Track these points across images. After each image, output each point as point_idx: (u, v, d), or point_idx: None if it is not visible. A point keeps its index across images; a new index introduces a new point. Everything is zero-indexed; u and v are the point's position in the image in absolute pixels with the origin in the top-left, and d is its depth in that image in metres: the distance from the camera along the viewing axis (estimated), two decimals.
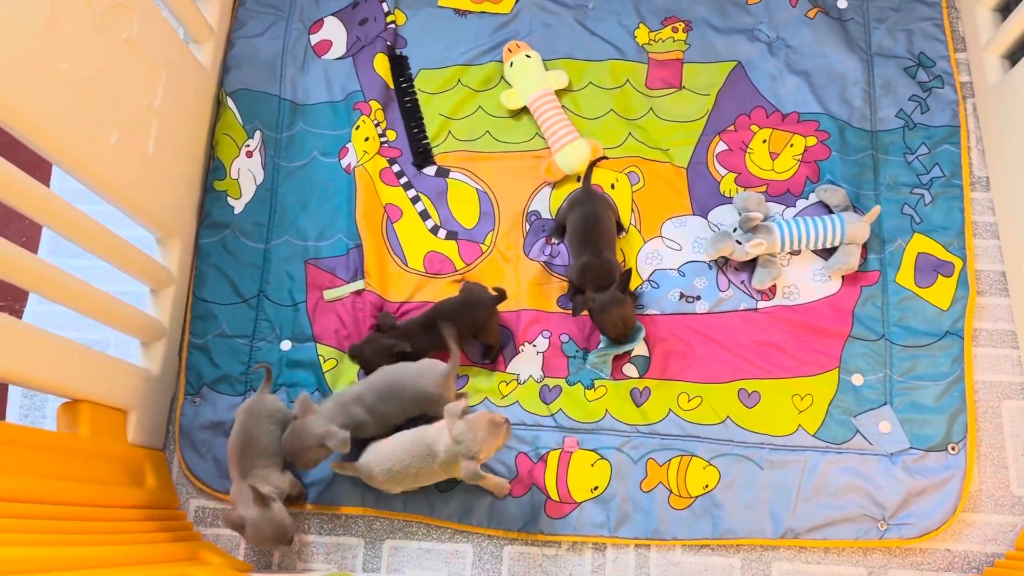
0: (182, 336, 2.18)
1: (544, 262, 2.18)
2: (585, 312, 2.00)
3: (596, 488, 2.00)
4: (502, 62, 2.34)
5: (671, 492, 1.99)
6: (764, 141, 2.26)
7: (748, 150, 2.26)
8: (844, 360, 2.08)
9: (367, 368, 2.00)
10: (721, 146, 2.27)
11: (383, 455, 1.84)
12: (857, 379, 2.06)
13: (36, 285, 1.68)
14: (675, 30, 2.37)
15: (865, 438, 2.02)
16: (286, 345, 2.14)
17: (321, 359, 2.12)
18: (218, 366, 2.13)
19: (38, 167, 2.24)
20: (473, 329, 2.03)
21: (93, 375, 1.80)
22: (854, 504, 1.96)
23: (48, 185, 2.35)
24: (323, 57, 2.40)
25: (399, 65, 2.38)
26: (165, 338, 2.10)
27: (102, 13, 1.76)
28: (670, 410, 2.05)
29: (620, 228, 2.18)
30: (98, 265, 2.05)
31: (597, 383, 2.08)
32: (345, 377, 2.09)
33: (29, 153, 1.68)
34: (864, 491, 1.97)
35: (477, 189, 2.26)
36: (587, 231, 2.03)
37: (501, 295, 2.04)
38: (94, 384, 1.80)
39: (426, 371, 1.92)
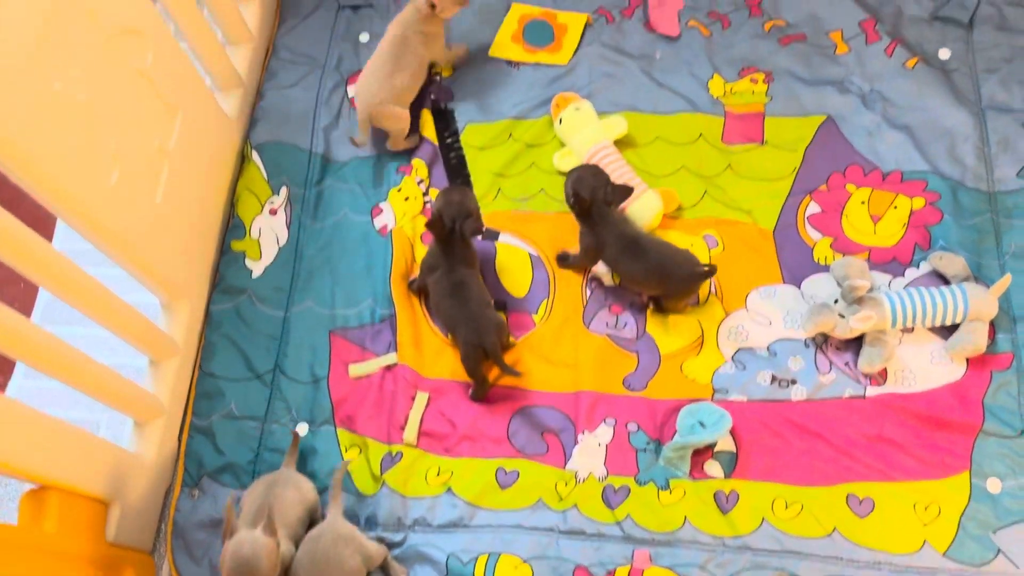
0: (184, 417, 1.87)
1: (608, 335, 1.86)
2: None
3: None
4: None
5: None
6: (863, 202, 1.95)
7: (845, 212, 1.95)
8: (976, 461, 1.70)
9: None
10: (813, 207, 1.96)
11: None
12: (994, 485, 1.68)
13: (24, 353, 1.41)
14: (754, 81, 2.11)
15: (1010, 560, 1.62)
16: (302, 429, 1.82)
17: (342, 448, 1.79)
18: (222, 452, 1.81)
19: (43, 224, 2.02)
20: (659, 286, 1.83)
21: (68, 456, 1.49)
22: None
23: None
24: None
25: (445, 119, 2.14)
26: (163, 417, 1.79)
27: (110, 36, 1.54)
28: (764, 519, 1.68)
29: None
30: (94, 334, 1.80)
31: (673, 483, 1.72)
32: (365, 470, 1.76)
33: (33, 209, 1.46)
34: None
35: (530, 253, 1.97)
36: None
37: (711, 270, 1.80)
38: (68, 467, 1.49)
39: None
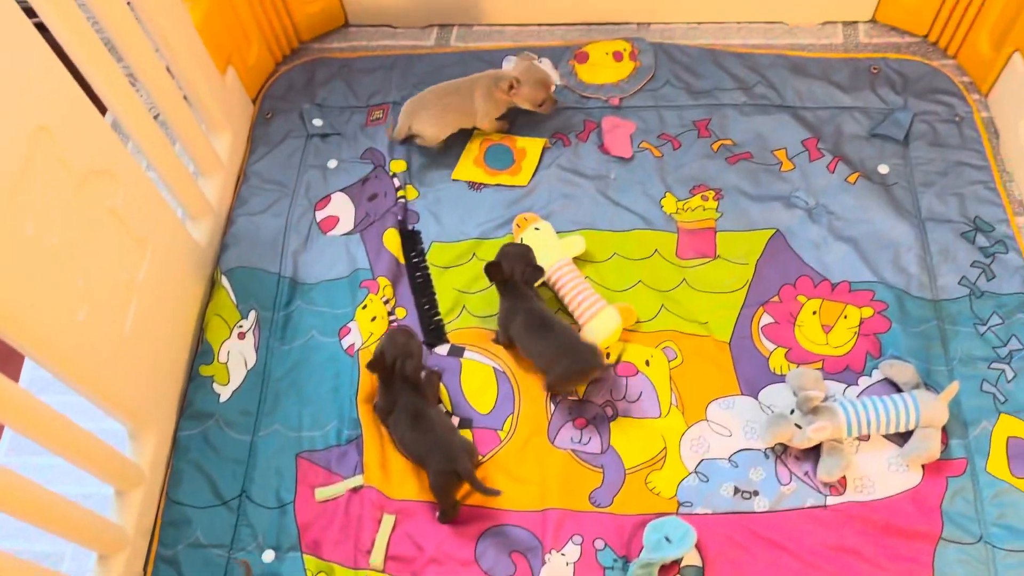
0: (149, 547, 1.86)
1: (573, 451, 1.89)
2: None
3: None
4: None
5: None
6: (814, 312, 2.03)
7: (797, 323, 2.02)
8: (938, 568, 1.72)
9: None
10: (767, 318, 2.03)
11: None
12: None
13: None
14: (705, 198, 2.21)
15: None
16: (268, 556, 1.81)
17: (308, 575, 1.78)
18: None
19: (10, 358, 2.04)
20: (557, 360, 1.89)
21: None
22: None
23: (19, 378, 2.13)
24: (328, 233, 2.24)
25: (411, 239, 2.21)
26: (128, 549, 1.78)
27: (82, 179, 1.61)
28: None
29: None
30: (60, 464, 1.80)
31: None
32: None
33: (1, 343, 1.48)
34: None
35: (495, 368, 2.01)
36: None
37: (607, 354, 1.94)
38: None
39: None
